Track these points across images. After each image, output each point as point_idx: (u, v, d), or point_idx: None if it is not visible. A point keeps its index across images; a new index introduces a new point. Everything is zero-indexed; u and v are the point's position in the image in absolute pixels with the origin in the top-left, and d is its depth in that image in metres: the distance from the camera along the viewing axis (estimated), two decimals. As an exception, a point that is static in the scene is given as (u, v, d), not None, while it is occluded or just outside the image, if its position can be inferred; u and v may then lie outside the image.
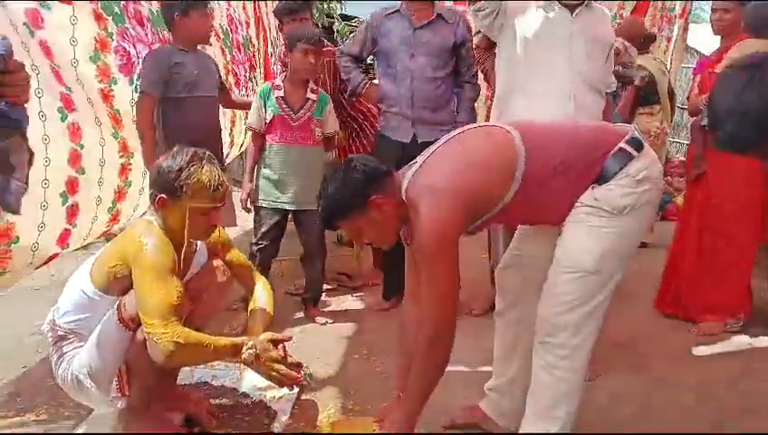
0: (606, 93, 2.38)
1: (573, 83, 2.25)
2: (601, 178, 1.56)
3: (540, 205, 1.62)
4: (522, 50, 2.33)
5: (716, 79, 1.33)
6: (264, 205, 2.82)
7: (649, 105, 3.97)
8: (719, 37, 2.78)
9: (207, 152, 1.75)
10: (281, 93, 2.73)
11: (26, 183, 1.28)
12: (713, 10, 2.70)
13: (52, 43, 2.18)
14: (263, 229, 2.82)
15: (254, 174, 2.84)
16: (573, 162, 1.58)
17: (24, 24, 2.04)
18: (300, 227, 2.91)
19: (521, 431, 1.73)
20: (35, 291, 3.40)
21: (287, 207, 2.81)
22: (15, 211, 1.30)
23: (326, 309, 3.08)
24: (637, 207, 1.56)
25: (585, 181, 1.58)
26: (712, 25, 2.72)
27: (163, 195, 1.70)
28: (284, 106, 2.73)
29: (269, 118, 2.73)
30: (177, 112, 2.56)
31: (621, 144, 1.58)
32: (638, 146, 1.59)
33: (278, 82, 2.80)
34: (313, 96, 2.77)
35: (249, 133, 3.01)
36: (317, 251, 2.93)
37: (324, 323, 2.88)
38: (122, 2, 2.59)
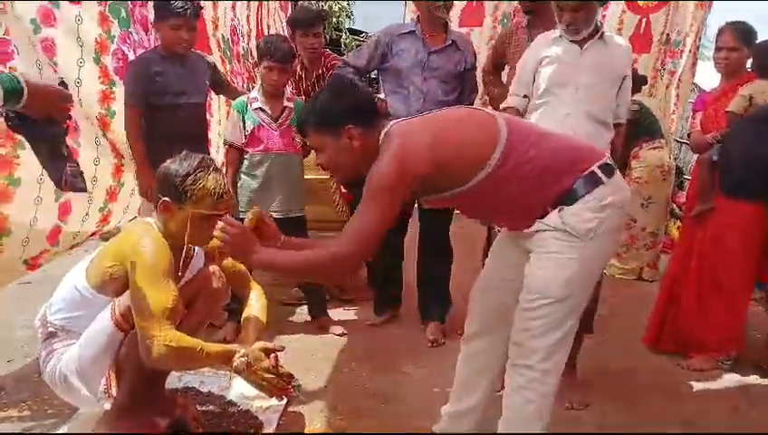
0: (618, 124, 2.37)
1: (577, 118, 2.24)
2: (569, 199, 1.58)
3: (501, 202, 1.64)
4: (534, 82, 2.35)
5: (731, 126, 1.34)
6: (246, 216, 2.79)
7: (656, 139, 4.02)
8: (720, 74, 2.81)
9: (215, 160, 1.75)
10: (258, 105, 2.74)
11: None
12: (717, 49, 2.71)
13: (59, 42, 2.19)
14: None
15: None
16: (546, 171, 1.59)
17: (32, 20, 2.06)
18: (286, 235, 2.90)
19: None
20: (26, 285, 3.37)
21: (274, 215, 2.78)
22: (85, 189, 1.69)
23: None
24: (599, 232, 1.58)
25: (549, 194, 1.59)
26: (716, 63, 2.74)
27: (167, 198, 1.70)
28: (264, 116, 2.74)
29: (249, 130, 2.73)
30: (161, 121, 2.55)
31: (593, 168, 1.60)
32: (609, 172, 1.62)
33: (253, 94, 2.80)
34: (290, 104, 2.78)
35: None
36: None
37: (341, 334, 2.87)
38: (130, 3, 2.60)
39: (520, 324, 1.64)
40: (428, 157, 1.57)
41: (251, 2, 3.98)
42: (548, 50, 2.32)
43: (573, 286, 1.59)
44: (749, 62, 2.73)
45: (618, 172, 1.67)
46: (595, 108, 2.27)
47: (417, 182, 1.59)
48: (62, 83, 1.58)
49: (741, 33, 2.66)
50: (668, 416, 2.28)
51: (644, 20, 4.56)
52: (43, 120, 1.47)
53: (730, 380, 2.64)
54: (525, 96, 2.39)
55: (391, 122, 1.70)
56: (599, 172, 1.60)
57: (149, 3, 2.74)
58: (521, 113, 2.39)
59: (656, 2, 4.57)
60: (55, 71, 2.17)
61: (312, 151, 2.97)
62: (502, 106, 2.49)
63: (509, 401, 1.69)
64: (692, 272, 2.78)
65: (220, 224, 1.59)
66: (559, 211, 1.58)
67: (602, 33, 2.30)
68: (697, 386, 2.57)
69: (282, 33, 4.10)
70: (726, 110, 2.58)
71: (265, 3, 4.25)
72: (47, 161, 1.56)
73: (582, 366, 2.41)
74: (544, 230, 1.60)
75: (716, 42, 2.74)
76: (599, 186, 1.59)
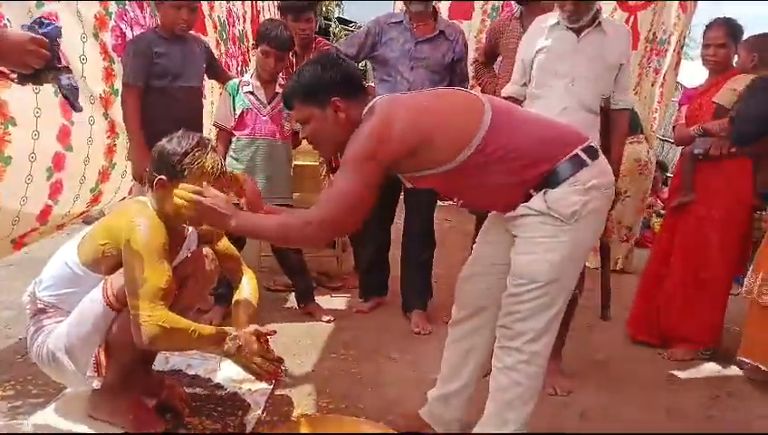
0: (623, 109, 2.37)
1: (573, 109, 2.26)
2: (552, 181, 1.59)
3: (484, 183, 1.64)
4: (531, 69, 2.37)
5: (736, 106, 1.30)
6: None
7: (635, 134, 4.07)
8: (703, 72, 2.86)
9: (210, 140, 1.74)
10: (249, 89, 2.73)
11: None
12: (706, 45, 2.76)
13: (61, 17, 2.15)
14: None
15: None
16: (529, 153, 1.60)
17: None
18: None
19: (474, 431, 1.77)
20: (8, 267, 3.33)
21: None
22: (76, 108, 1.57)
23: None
24: (584, 214, 1.59)
25: (533, 175, 1.60)
26: (703, 60, 2.78)
27: (163, 177, 1.69)
28: (254, 100, 2.73)
29: (238, 113, 2.72)
30: (158, 103, 2.52)
31: (577, 150, 1.61)
32: (592, 155, 1.64)
33: (246, 78, 2.79)
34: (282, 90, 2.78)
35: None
36: None
37: (329, 321, 2.89)
38: None
39: (507, 308, 1.67)
40: (408, 130, 1.58)
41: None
42: (544, 39, 2.33)
43: (559, 270, 1.61)
44: (735, 59, 2.79)
45: (602, 155, 1.68)
46: (591, 99, 2.28)
47: (396, 155, 1.59)
48: (67, 69, 1.52)
49: (729, 29, 2.71)
50: (650, 404, 2.34)
51: (632, 17, 4.61)
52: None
53: (709, 370, 2.71)
54: (524, 84, 2.40)
55: (377, 97, 1.71)
56: (582, 155, 1.61)
57: None
58: (520, 101, 2.40)
59: (643, 0, 4.62)
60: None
61: (304, 140, 3.01)
62: (502, 94, 2.49)
63: (496, 382, 1.71)
64: (673, 265, 2.83)
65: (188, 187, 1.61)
66: (543, 194, 1.59)
67: (599, 21, 2.30)
68: (678, 375, 2.63)
69: (275, 17, 4.08)
70: (713, 100, 2.63)
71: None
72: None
73: (564, 353, 2.45)
74: (529, 214, 1.61)
75: (704, 38, 2.77)
76: (583, 168, 1.60)
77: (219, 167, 1.72)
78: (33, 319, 1.76)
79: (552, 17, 2.36)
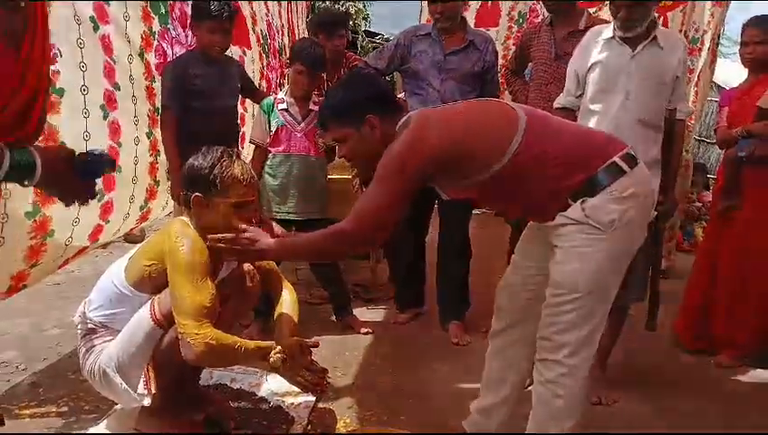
0: (680, 120, 2.29)
1: (628, 125, 2.20)
2: (590, 190, 1.57)
3: (520, 191, 1.64)
4: (584, 81, 2.33)
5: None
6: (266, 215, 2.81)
7: None
8: (739, 71, 2.79)
9: (234, 149, 1.79)
10: (284, 106, 2.78)
11: None
12: (744, 43, 2.69)
13: (114, 39, 2.24)
14: None
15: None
16: (566, 161, 1.59)
17: (91, 17, 2.10)
18: None
19: None
20: (55, 286, 3.44)
21: (290, 217, 2.81)
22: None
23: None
24: (623, 223, 1.56)
25: (569, 183, 1.58)
26: (742, 59, 2.72)
27: (197, 193, 1.73)
28: (288, 117, 2.78)
29: (273, 130, 2.77)
30: (196, 123, 2.57)
31: (615, 158, 1.59)
32: (631, 163, 1.61)
33: (281, 95, 2.84)
34: (316, 108, 2.80)
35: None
36: None
37: (367, 333, 2.91)
38: (169, 2, 2.65)
39: (547, 320, 1.65)
40: (441, 143, 1.58)
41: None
42: (598, 53, 2.28)
43: (599, 280, 1.59)
44: None
45: (641, 163, 1.65)
46: (646, 113, 2.23)
47: (431, 167, 1.59)
48: (106, 156, 1.47)
49: (767, 26, 2.65)
50: (698, 412, 2.28)
51: (661, 18, 4.54)
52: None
53: (758, 377, 2.63)
54: (578, 96, 2.36)
55: (411, 112, 1.72)
56: (620, 162, 1.58)
57: (189, 1, 2.78)
58: (574, 112, 2.37)
59: (673, 1, 4.55)
60: (111, 69, 2.21)
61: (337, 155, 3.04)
62: (555, 105, 2.46)
63: (537, 396, 1.70)
64: (720, 270, 2.76)
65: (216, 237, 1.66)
66: (581, 203, 1.57)
67: (654, 35, 2.22)
68: (726, 383, 2.57)
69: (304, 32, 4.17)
70: (757, 104, 2.56)
71: (294, 1, 4.31)
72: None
73: (609, 362, 2.41)
74: (567, 224, 1.59)
75: (742, 36, 2.71)
76: (621, 176, 1.58)
77: (248, 173, 1.76)
78: (84, 339, 1.82)
79: (607, 30, 2.31)
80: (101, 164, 1.42)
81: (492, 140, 1.60)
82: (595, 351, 1.69)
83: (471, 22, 4.57)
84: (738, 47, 2.82)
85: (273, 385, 2.23)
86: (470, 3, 4.66)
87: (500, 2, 4.76)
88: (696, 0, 4.57)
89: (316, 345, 1.84)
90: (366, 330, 2.92)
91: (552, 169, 1.58)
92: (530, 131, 1.59)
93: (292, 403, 2.14)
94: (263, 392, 2.22)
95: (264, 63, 3.65)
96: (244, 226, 1.69)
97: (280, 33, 4.00)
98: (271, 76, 3.74)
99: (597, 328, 1.64)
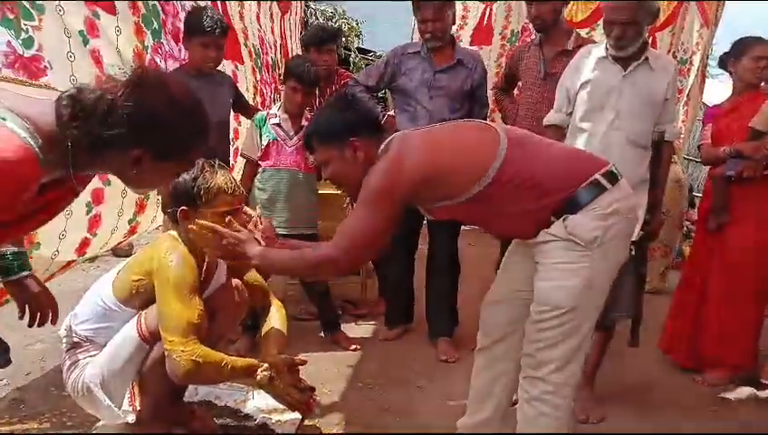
0: (667, 142, 2.32)
1: (617, 144, 2.23)
2: (572, 207, 1.58)
3: (503, 211, 1.64)
4: (575, 99, 2.35)
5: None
6: None
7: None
8: (724, 90, 2.82)
9: (216, 160, 1.80)
10: (276, 121, 2.79)
11: None
12: (756, 58, 2.67)
13: (104, 53, 2.23)
14: None
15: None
16: (547, 180, 1.60)
17: (80, 32, 2.10)
18: None
19: None
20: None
21: (279, 231, 2.80)
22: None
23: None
24: (606, 239, 1.57)
25: (551, 203, 1.59)
26: (748, 75, 2.70)
27: (184, 207, 1.73)
28: (280, 132, 2.79)
29: (264, 144, 2.78)
30: None
31: (596, 175, 1.60)
32: (612, 179, 1.62)
33: (273, 110, 2.86)
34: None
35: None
36: None
37: (355, 350, 2.89)
38: (162, 15, 2.66)
39: (531, 336, 1.65)
40: (423, 163, 1.60)
41: (274, 16, 4.06)
42: (590, 72, 2.30)
43: (582, 296, 1.59)
44: None
45: (623, 180, 1.66)
46: (635, 133, 2.24)
47: (413, 189, 1.61)
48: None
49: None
50: (684, 430, 2.28)
51: (650, 38, 4.62)
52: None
53: (744, 394, 2.64)
54: (568, 113, 2.38)
55: (394, 134, 1.74)
56: (602, 180, 1.60)
57: (181, 14, 2.79)
58: (564, 130, 2.39)
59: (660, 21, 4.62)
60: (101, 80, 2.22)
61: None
62: (545, 123, 2.48)
63: (522, 414, 1.70)
64: (709, 287, 2.77)
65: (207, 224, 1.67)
66: (563, 221, 1.58)
67: (647, 56, 2.25)
68: (713, 401, 2.57)
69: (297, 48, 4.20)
70: (750, 125, 2.57)
71: (286, 17, 4.34)
72: None
73: (598, 379, 2.41)
74: (550, 241, 1.60)
75: (744, 54, 2.72)
76: (602, 193, 1.59)
77: (231, 181, 1.77)
78: (69, 352, 1.80)
79: (599, 48, 2.33)
80: None
81: (472, 161, 1.61)
82: (580, 368, 1.69)
83: (467, 40, 4.64)
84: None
85: (259, 402, 2.21)
86: (467, 21, 4.71)
87: (492, 21, 4.83)
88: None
89: (303, 363, 1.83)
90: (354, 346, 2.91)
91: (532, 189, 1.59)
92: (510, 153, 1.60)
93: (278, 420, 2.12)
94: (248, 409, 2.20)
95: (258, 78, 3.67)
96: (238, 226, 1.70)
97: (273, 48, 4.02)
98: (265, 91, 3.75)
99: (581, 345, 1.65)
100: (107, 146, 1.09)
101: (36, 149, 1.02)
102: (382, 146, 1.70)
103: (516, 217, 1.65)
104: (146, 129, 1.10)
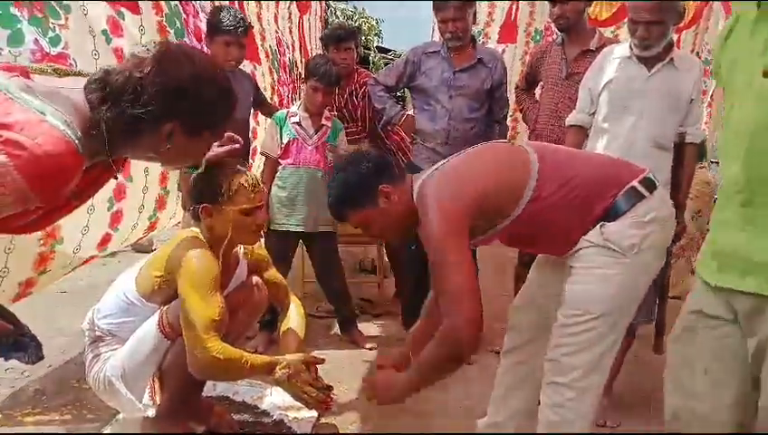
0: (691, 144, 2.28)
1: (641, 145, 2.20)
2: (610, 216, 1.56)
3: (544, 230, 1.62)
4: (597, 99, 2.32)
5: None
6: (275, 228, 2.83)
7: (700, 162, 4.03)
8: None
9: (239, 159, 1.82)
10: (296, 119, 2.80)
11: None
12: None
13: (127, 51, 2.23)
14: (273, 252, 2.85)
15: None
16: (584, 193, 1.58)
17: (103, 31, 2.12)
18: (311, 250, 2.96)
19: None
20: (62, 294, 3.46)
21: (299, 229, 2.83)
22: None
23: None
24: (643, 248, 1.55)
25: (591, 214, 1.57)
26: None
27: (206, 203, 1.75)
28: (300, 130, 2.80)
29: (284, 142, 2.79)
30: None
31: (634, 183, 1.58)
32: (650, 186, 1.59)
33: (293, 109, 2.87)
34: (327, 123, 2.85)
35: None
36: (332, 271, 2.95)
37: (371, 349, 2.90)
38: (183, 15, 2.68)
39: (557, 340, 1.62)
40: (467, 220, 1.55)
41: (292, 16, 4.07)
42: (613, 72, 2.27)
43: (614, 302, 1.56)
44: None
45: (660, 187, 1.63)
46: (659, 135, 2.21)
47: (472, 219, 1.56)
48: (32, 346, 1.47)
49: None
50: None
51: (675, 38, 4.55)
52: None
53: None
54: (591, 114, 2.36)
55: (417, 178, 1.69)
56: (640, 187, 1.57)
57: (201, 15, 2.81)
58: (586, 131, 2.37)
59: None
60: None
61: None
62: (567, 123, 2.46)
63: (545, 418, 1.67)
64: None
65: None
66: (600, 227, 1.55)
67: (672, 57, 2.21)
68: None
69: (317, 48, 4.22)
70: None
71: (306, 17, 4.35)
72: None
73: (615, 384, 2.38)
74: (586, 247, 1.57)
75: None
76: (641, 201, 1.56)
77: (253, 178, 1.78)
78: (92, 346, 1.82)
79: (623, 48, 2.30)
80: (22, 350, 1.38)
81: (507, 188, 1.58)
82: (606, 378, 1.66)
83: (494, 37, 4.60)
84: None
85: (276, 399, 2.23)
86: (494, 17, 4.67)
87: (518, 19, 4.77)
88: None
89: (321, 362, 1.83)
90: (371, 345, 2.91)
91: (569, 204, 1.57)
92: (543, 169, 1.58)
93: (295, 418, 2.14)
94: (265, 406, 2.22)
95: (275, 78, 3.68)
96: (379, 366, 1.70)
97: (290, 48, 4.04)
98: (282, 90, 3.77)
99: (607, 353, 1.61)
100: (140, 124, 1.12)
101: (76, 141, 1.05)
102: (414, 192, 1.64)
103: (559, 232, 1.62)
104: (175, 101, 1.13)
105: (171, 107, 1.13)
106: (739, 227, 1.15)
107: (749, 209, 1.12)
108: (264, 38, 3.58)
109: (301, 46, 4.24)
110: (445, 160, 1.72)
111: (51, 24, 1.89)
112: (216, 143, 1.72)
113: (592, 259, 1.57)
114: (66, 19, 1.94)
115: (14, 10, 1.78)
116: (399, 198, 1.65)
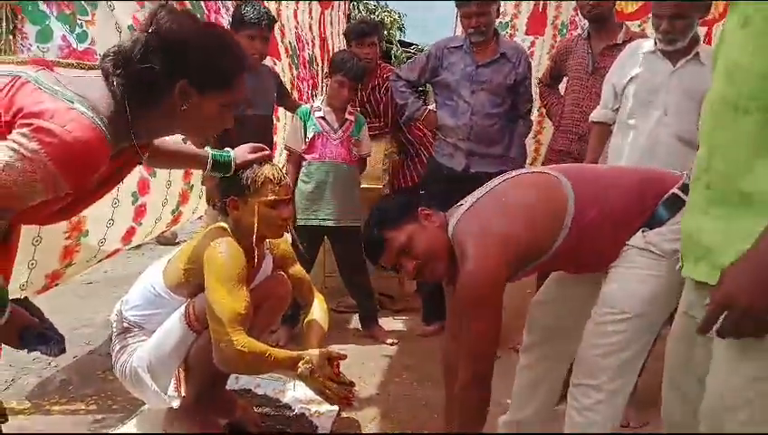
0: None
1: (665, 142, 2.17)
2: (653, 224, 1.54)
3: (587, 252, 1.60)
4: (621, 95, 2.30)
5: None
6: (300, 223, 2.83)
7: None
8: None
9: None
10: (320, 114, 2.80)
11: None
12: None
13: None
14: (299, 246, 2.86)
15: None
16: (622, 210, 1.56)
17: (130, 26, 2.15)
18: (336, 243, 2.97)
19: None
20: (88, 285, 3.52)
21: (326, 223, 2.83)
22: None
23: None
24: None
25: (632, 228, 1.56)
26: None
27: (233, 196, 1.76)
28: (325, 124, 2.80)
29: (309, 137, 2.80)
30: (229, 131, 2.57)
31: (675, 190, 1.56)
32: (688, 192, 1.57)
33: (317, 104, 2.88)
34: (351, 117, 2.85)
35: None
36: (356, 266, 2.95)
37: (392, 344, 2.90)
38: (205, 10, 2.70)
39: (590, 340, 1.59)
40: (508, 264, 1.53)
41: (313, 12, 4.08)
42: (637, 67, 2.24)
43: (650, 304, 1.54)
44: None
45: None
46: (684, 130, 2.17)
47: (509, 270, 1.55)
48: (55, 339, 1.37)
49: None
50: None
51: (706, 31, 4.45)
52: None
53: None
54: (615, 109, 2.33)
55: (450, 218, 1.66)
56: (680, 194, 1.55)
57: (222, 11, 2.83)
58: (610, 127, 2.34)
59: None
60: None
61: (368, 164, 3.05)
62: (591, 119, 2.43)
63: (571, 421, 1.65)
64: None
65: None
66: (642, 232, 1.54)
67: (698, 51, 2.17)
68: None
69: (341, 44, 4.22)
70: None
71: (327, 13, 4.35)
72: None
73: (638, 384, 2.35)
74: (628, 249, 1.56)
75: None
76: (682, 207, 1.51)
77: (279, 172, 1.79)
78: (119, 337, 1.85)
79: (647, 43, 2.26)
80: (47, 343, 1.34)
81: (546, 221, 1.57)
82: (635, 380, 1.63)
83: (522, 29, 4.53)
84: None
85: (298, 393, 2.24)
86: (520, 8, 4.60)
87: (546, 10, 4.70)
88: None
89: (344, 358, 1.83)
90: (391, 341, 2.91)
91: (610, 223, 1.56)
92: (579, 197, 1.56)
93: (316, 412, 2.14)
94: (287, 399, 2.23)
95: (295, 74, 3.70)
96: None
97: (310, 44, 4.04)
98: (301, 86, 3.78)
99: (639, 356, 1.59)
100: (152, 85, 1.16)
101: (103, 127, 1.09)
102: (449, 234, 1.62)
103: (600, 251, 1.60)
104: (179, 55, 1.16)
105: (177, 62, 1.16)
106: (702, 210, 1.11)
107: (711, 191, 1.08)
108: (283, 34, 3.60)
109: (321, 42, 4.24)
110: (479, 194, 1.67)
111: (78, 21, 1.92)
112: (247, 151, 1.76)
113: (633, 260, 1.55)
114: (93, 16, 1.97)
115: (42, 7, 1.81)
116: (438, 220, 1.65)
